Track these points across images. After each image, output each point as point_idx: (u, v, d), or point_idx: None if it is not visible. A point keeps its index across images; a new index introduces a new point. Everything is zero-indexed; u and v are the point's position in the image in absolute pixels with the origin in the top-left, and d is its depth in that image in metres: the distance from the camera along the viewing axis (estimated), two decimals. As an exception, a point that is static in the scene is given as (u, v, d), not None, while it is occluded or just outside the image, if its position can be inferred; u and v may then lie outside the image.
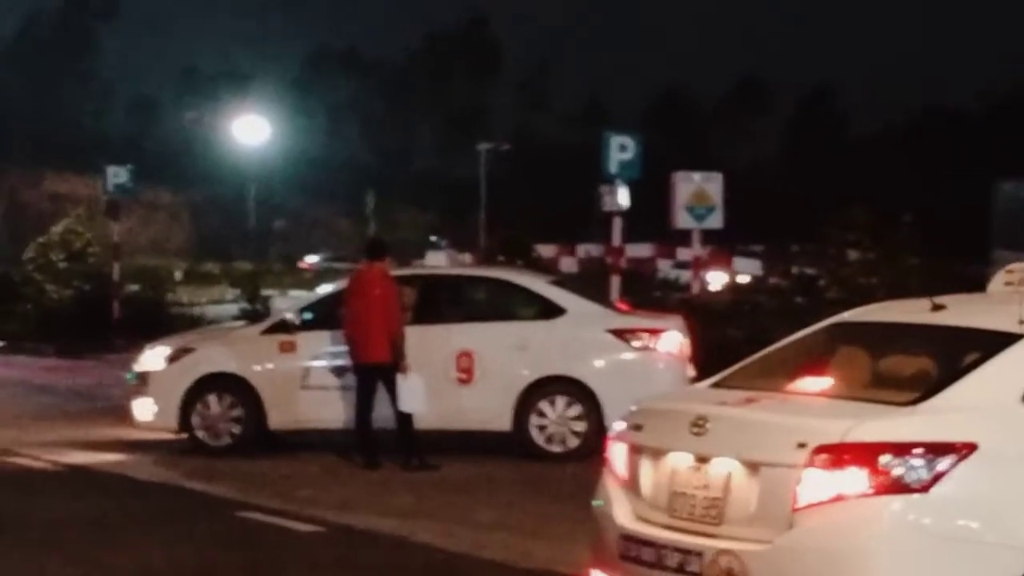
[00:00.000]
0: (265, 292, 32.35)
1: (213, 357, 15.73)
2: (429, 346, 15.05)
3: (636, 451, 7.38)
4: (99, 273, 35.75)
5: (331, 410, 15.20)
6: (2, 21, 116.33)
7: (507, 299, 16.03)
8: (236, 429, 15.47)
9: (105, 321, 30.23)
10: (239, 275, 53.61)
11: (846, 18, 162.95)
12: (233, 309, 31.78)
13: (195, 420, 15.49)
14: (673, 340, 15.20)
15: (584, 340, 15.19)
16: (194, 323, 30.34)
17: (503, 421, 15.10)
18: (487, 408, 15.12)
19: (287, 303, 25.11)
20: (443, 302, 16.02)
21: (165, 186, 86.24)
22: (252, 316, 26.84)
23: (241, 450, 15.33)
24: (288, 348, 15.46)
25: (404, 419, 14.55)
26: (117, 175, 30.83)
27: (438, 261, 17.87)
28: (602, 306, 16.12)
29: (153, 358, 15.94)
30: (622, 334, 15.17)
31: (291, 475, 14.36)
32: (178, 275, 53.55)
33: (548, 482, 13.73)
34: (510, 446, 15.20)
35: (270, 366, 15.47)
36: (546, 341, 15.21)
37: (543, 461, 14.84)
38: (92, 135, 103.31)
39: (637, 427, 7.44)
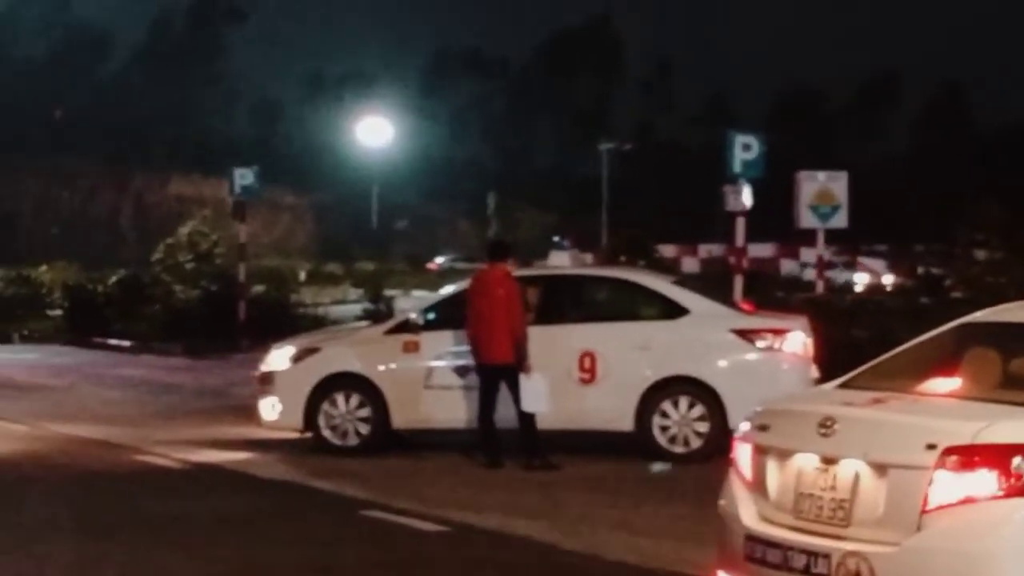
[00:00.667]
0: (388, 292, 32.59)
1: (337, 357, 15.85)
2: (552, 346, 15.05)
3: (762, 452, 7.33)
4: (225, 274, 36.30)
5: (455, 410, 15.27)
6: (133, 26, 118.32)
7: (630, 299, 15.98)
8: (363, 429, 15.58)
9: (231, 321, 30.62)
10: (362, 275, 54.21)
11: (975, 14, 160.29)
12: (356, 309, 32.09)
13: (321, 420, 15.62)
14: (797, 340, 15.06)
15: (707, 340, 15.11)
16: (318, 323, 30.64)
17: (626, 421, 15.06)
18: (610, 408, 15.08)
19: (410, 303, 25.32)
20: (566, 302, 16.00)
21: (289, 188, 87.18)
22: (375, 316, 27.10)
23: (366, 449, 15.44)
24: (412, 348, 15.55)
25: (527, 419, 14.57)
26: (243, 177, 31.19)
27: (561, 261, 17.85)
28: (725, 306, 16.01)
29: (279, 358, 16.11)
30: (746, 334, 15.07)
31: (415, 474, 14.44)
32: (302, 276, 54.13)
33: (671, 483, 13.69)
34: (632, 446, 15.16)
35: (394, 366, 15.57)
36: (669, 341, 15.14)
37: (666, 461, 14.77)
38: (218, 137, 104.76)
39: (763, 428, 7.39)
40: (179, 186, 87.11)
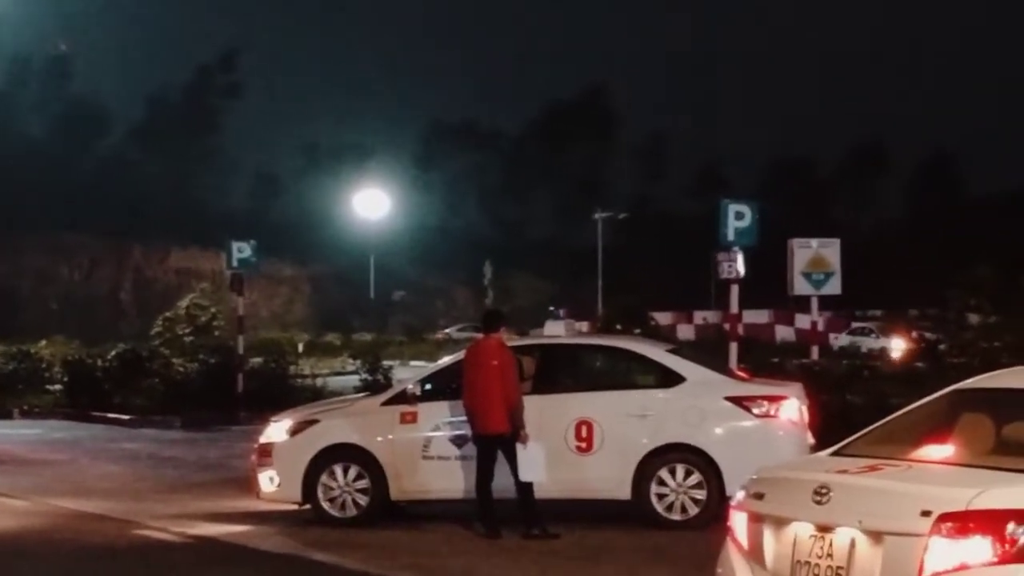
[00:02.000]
0: (386, 363, 32.62)
1: (335, 428, 15.87)
2: (548, 415, 15.11)
3: (758, 520, 7.39)
4: (224, 346, 36.38)
5: (453, 480, 15.30)
6: (130, 102, 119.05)
7: (626, 367, 16.08)
8: (362, 500, 15.60)
9: (230, 393, 30.64)
10: (360, 346, 54.23)
11: (961, 82, 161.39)
12: (354, 380, 32.08)
13: (320, 491, 15.63)
14: (793, 407, 15.11)
15: (703, 408, 15.15)
16: (316, 394, 30.63)
17: (623, 490, 15.08)
18: (607, 477, 15.10)
19: (408, 373, 25.37)
20: (562, 371, 16.08)
21: (287, 259, 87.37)
22: (373, 387, 27.14)
23: (365, 521, 15.46)
24: (409, 419, 15.59)
25: (525, 488, 14.60)
26: (241, 250, 31.33)
27: (556, 330, 17.93)
28: (721, 374, 16.07)
29: (277, 430, 16.15)
30: (741, 401, 15.12)
31: (414, 545, 14.45)
32: (300, 347, 54.18)
33: (669, 550, 13.69)
34: (629, 514, 15.18)
35: (391, 437, 15.60)
36: (665, 409, 15.18)
37: (663, 529, 14.80)
38: (216, 211, 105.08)
39: (759, 496, 7.45)
40: (178, 259, 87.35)
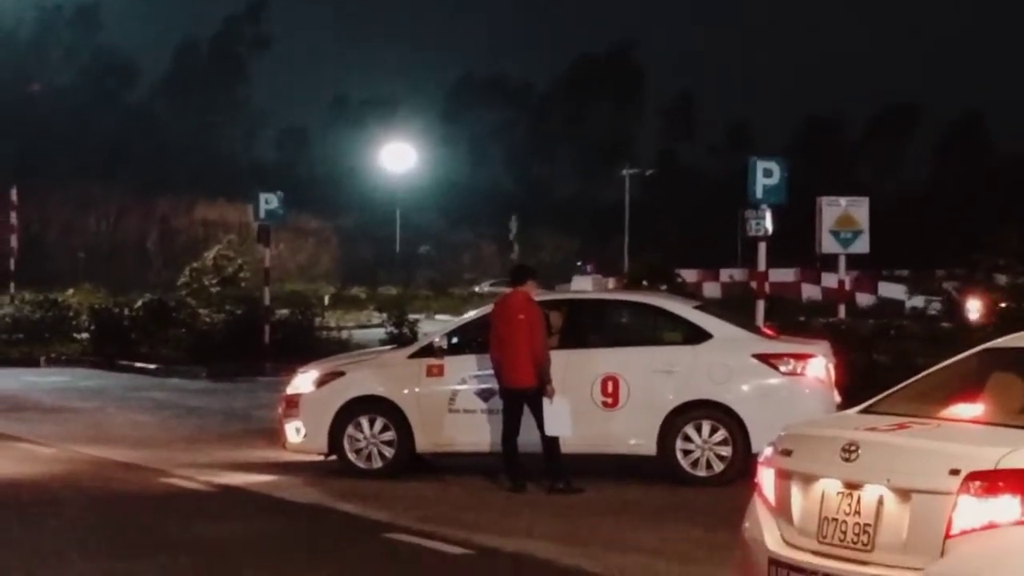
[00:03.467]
0: (411, 316, 32.68)
1: (362, 380, 15.92)
2: (575, 370, 15.12)
3: (785, 476, 7.39)
4: (250, 297, 36.44)
5: (478, 433, 15.34)
6: (157, 54, 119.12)
7: (653, 324, 16.07)
8: (387, 452, 15.66)
9: (256, 344, 30.72)
10: (386, 299, 54.30)
11: (993, 42, 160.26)
12: (380, 333, 32.14)
13: (345, 443, 15.70)
14: (820, 365, 15.10)
15: (730, 365, 15.15)
16: (342, 347, 30.72)
17: (648, 445, 15.10)
18: (632, 432, 15.13)
19: (434, 327, 25.41)
20: (589, 327, 16.08)
21: (313, 212, 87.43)
22: (399, 340, 27.21)
23: (390, 473, 15.52)
24: (435, 372, 15.62)
25: (550, 443, 14.64)
26: (268, 202, 31.33)
27: (584, 286, 17.90)
28: (748, 331, 16.06)
29: (303, 382, 16.20)
30: (768, 359, 15.11)
31: (439, 498, 14.51)
32: (326, 299, 54.29)
33: (693, 506, 13.73)
34: (654, 470, 15.21)
35: (418, 389, 15.64)
36: (692, 366, 15.18)
37: (688, 485, 14.82)
38: (243, 163, 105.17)
39: (787, 452, 7.45)
40: (204, 211, 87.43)
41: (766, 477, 7.55)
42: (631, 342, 15.80)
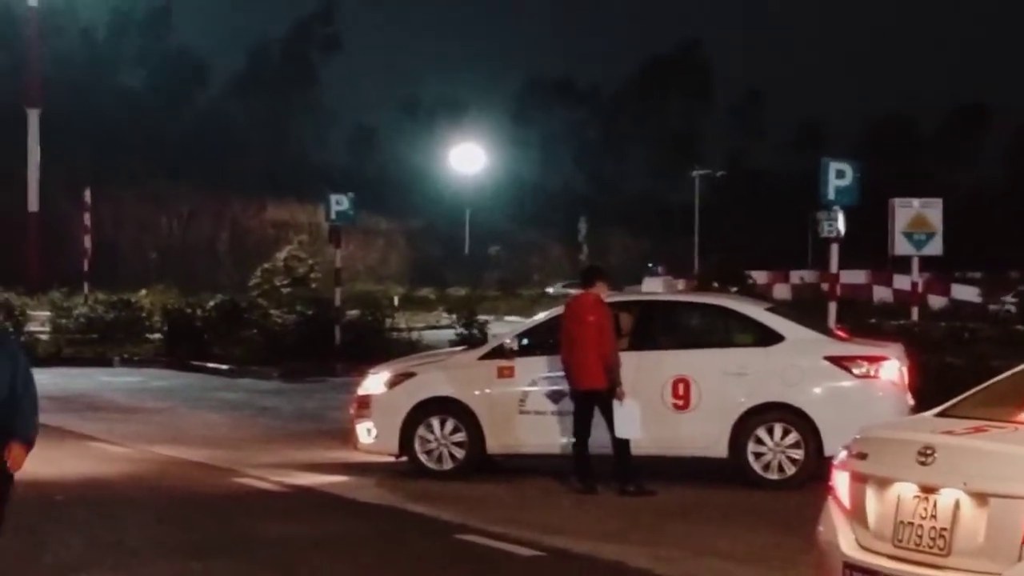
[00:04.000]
0: (480, 317, 32.72)
1: (433, 382, 15.95)
2: (646, 372, 15.09)
3: (860, 480, 7.34)
4: (321, 298, 36.60)
5: (549, 435, 15.33)
6: (231, 55, 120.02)
7: (724, 326, 15.95)
8: (458, 453, 15.70)
9: (327, 345, 30.88)
10: (455, 300, 54.42)
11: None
12: (449, 334, 32.22)
13: (416, 444, 15.75)
14: (893, 368, 14.97)
15: (802, 367, 15.04)
16: (411, 347, 30.81)
17: (720, 448, 15.04)
18: (704, 435, 15.06)
19: (503, 328, 25.44)
20: (660, 328, 16.01)
21: (383, 213, 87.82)
22: (468, 341, 27.26)
23: (461, 474, 15.56)
24: (506, 373, 15.63)
25: (621, 445, 14.61)
26: (339, 203, 31.51)
27: (655, 287, 17.85)
28: (820, 333, 15.95)
29: (375, 382, 16.26)
30: (841, 361, 14.98)
31: (509, 499, 14.52)
32: (396, 300, 54.49)
33: (763, 509, 13.66)
34: (725, 473, 15.16)
35: (489, 391, 15.66)
36: (764, 368, 15.09)
37: (759, 488, 14.75)
38: (314, 164, 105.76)
39: (862, 456, 7.40)
40: (275, 212, 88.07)
41: (841, 480, 7.51)
42: (702, 344, 15.70)
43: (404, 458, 15.89)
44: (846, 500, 7.41)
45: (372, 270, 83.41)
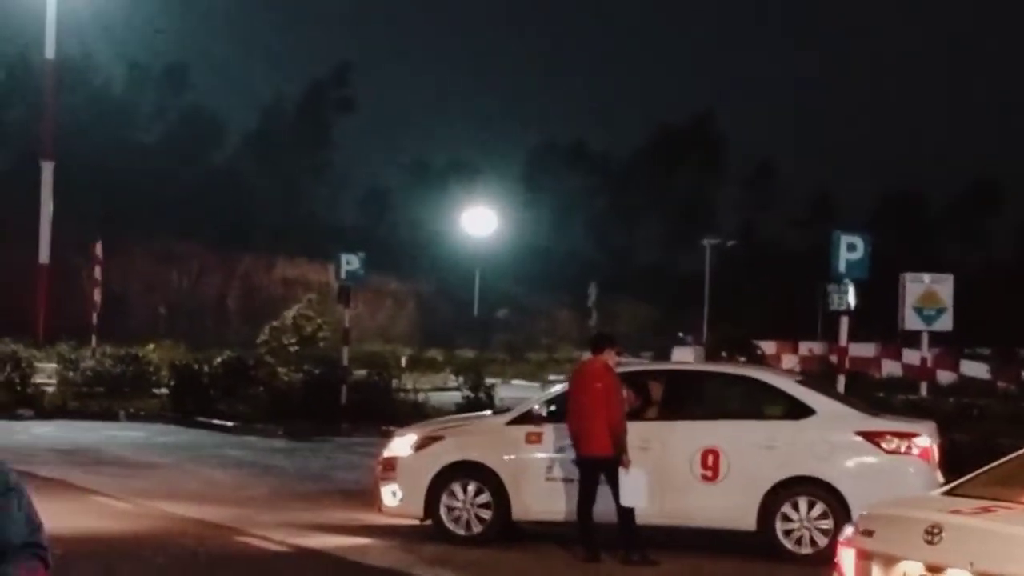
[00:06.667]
0: (488, 380, 32.66)
1: (460, 445, 15.85)
2: (675, 442, 15.04)
3: (866, 557, 7.31)
4: (328, 357, 36.57)
5: (575, 503, 15.01)
6: (245, 114, 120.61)
7: (755, 397, 15.85)
8: (485, 518, 15.58)
9: (333, 404, 30.82)
10: (462, 362, 54.35)
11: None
12: (456, 396, 32.16)
13: (442, 508, 15.63)
14: (925, 445, 14.81)
15: (833, 441, 14.89)
16: (418, 409, 30.76)
17: (748, 520, 14.86)
18: (732, 507, 14.87)
19: (510, 392, 25.37)
20: (690, 398, 15.96)
21: (393, 274, 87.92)
22: (475, 404, 27.18)
23: (485, 539, 15.40)
24: (534, 439, 15.52)
25: (626, 513, 14.54)
26: (350, 262, 31.57)
27: (685, 356, 17.74)
28: (851, 407, 15.79)
29: (402, 445, 16.19)
30: (872, 437, 14.84)
31: (524, 565, 14.43)
32: (403, 361, 54.44)
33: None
34: (726, 544, 15.07)
35: (516, 456, 15.55)
36: (794, 441, 14.93)
37: (765, 560, 14.65)
38: (325, 223, 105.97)
39: (868, 532, 7.38)
40: (285, 269, 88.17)
41: (846, 557, 7.48)
42: (732, 415, 15.60)
43: (428, 522, 15.76)
44: (852, 577, 7.38)
45: (381, 330, 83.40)
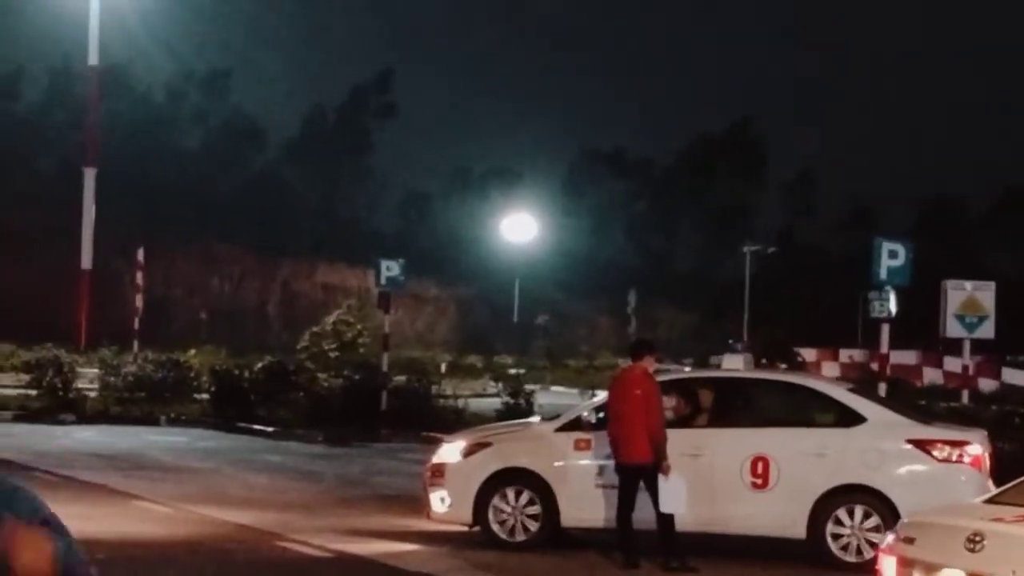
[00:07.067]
0: (527, 387, 32.64)
1: (509, 452, 15.86)
2: (725, 449, 15.01)
3: (907, 564, 7.28)
4: (368, 363, 36.63)
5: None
6: (287, 120, 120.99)
7: (805, 405, 15.81)
8: (533, 525, 15.57)
9: (373, 410, 30.86)
10: (501, 369, 54.38)
11: None
12: (496, 403, 32.16)
13: (491, 514, 15.62)
14: (976, 453, 14.71)
15: (884, 449, 14.81)
16: (457, 415, 30.78)
17: (798, 528, 14.77)
18: (782, 515, 14.79)
19: (549, 398, 25.34)
20: (740, 406, 15.96)
21: (433, 280, 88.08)
22: (515, 411, 27.15)
23: (533, 546, 15.37)
24: (583, 446, 15.48)
25: (665, 520, 14.51)
26: (389, 268, 31.63)
27: (736, 364, 17.67)
28: (903, 415, 15.67)
29: (450, 451, 16.21)
30: (923, 445, 14.75)
31: (552, 571, 14.42)
32: (443, 367, 54.49)
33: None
34: (767, 552, 15.02)
35: (565, 463, 15.54)
36: (844, 449, 14.85)
37: (819, 569, 14.55)
38: (365, 229, 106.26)
39: (909, 540, 7.34)
40: (325, 275, 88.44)
41: (887, 565, 7.45)
42: (783, 423, 15.56)
43: (476, 528, 15.76)
44: (893, 585, 7.34)
45: (420, 336, 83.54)
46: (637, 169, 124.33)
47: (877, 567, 7.57)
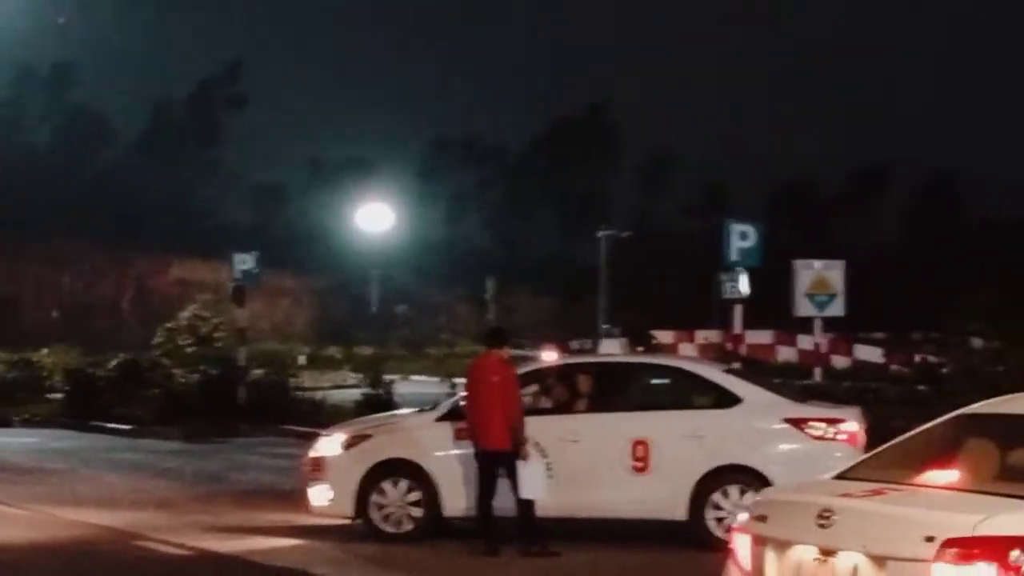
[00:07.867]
0: (387, 377, 32.56)
1: (389, 443, 15.74)
2: (605, 434, 15.07)
3: (760, 542, 7.37)
4: (225, 357, 36.29)
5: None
6: (134, 112, 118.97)
7: (683, 387, 15.91)
8: (416, 514, 15.52)
9: (230, 405, 30.59)
10: (361, 359, 54.15)
11: (967, 104, 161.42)
12: (355, 394, 32.04)
13: (372, 507, 15.54)
14: (852, 430, 14.92)
15: (761, 429, 14.98)
16: (316, 408, 30.63)
17: (679, 510, 14.87)
18: (663, 497, 14.86)
19: (409, 388, 25.30)
20: (618, 390, 15.99)
21: (289, 272, 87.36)
22: (375, 401, 27.06)
23: (417, 537, 15.31)
24: (463, 435, 15.39)
25: (525, 505, 14.57)
26: (243, 262, 31.36)
27: (612, 349, 17.71)
28: (778, 395, 15.84)
29: (329, 444, 16.07)
30: (799, 423, 14.94)
31: (409, 558, 14.41)
32: (301, 359, 54.14)
33: (670, 571, 13.65)
34: (629, 535, 15.15)
35: (446, 453, 15.50)
36: (723, 430, 15.00)
37: (667, 550, 14.72)
38: (218, 222, 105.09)
39: (762, 518, 7.44)
40: (179, 270, 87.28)
41: (741, 543, 7.53)
42: (661, 406, 15.66)
43: (359, 520, 15.65)
44: (746, 563, 7.43)
45: (278, 329, 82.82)
46: (491, 155, 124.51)
47: (730, 546, 7.66)
